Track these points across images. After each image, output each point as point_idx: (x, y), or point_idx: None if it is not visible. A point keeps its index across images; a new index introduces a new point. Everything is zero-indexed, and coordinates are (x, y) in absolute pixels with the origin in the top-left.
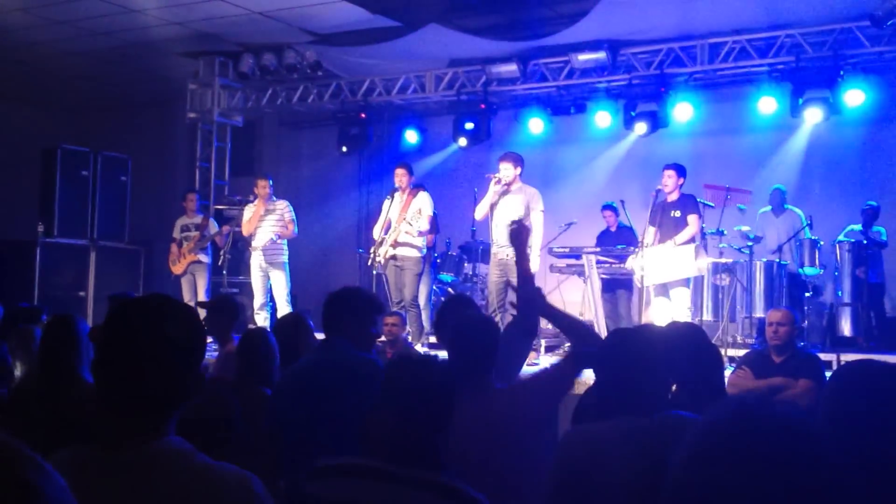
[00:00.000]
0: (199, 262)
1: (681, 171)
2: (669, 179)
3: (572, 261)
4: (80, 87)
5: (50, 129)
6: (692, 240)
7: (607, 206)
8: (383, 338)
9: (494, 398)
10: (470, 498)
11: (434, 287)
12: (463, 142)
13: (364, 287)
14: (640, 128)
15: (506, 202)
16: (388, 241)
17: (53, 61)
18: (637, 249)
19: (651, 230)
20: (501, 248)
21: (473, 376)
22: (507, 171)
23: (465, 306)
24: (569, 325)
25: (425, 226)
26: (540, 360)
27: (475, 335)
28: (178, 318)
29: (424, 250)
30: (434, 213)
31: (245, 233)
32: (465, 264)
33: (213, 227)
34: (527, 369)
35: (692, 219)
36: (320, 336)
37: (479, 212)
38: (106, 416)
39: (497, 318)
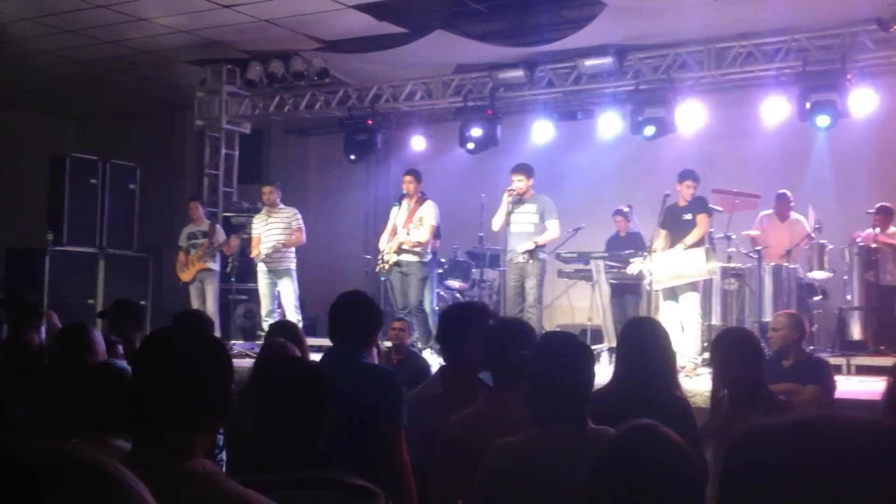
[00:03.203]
0: (209, 269)
1: (696, 178)
2: (688, 190)
3: (580, 266)
4: (89, 95)
5: (58, 137)
6: (701, 241)
7: (618, 212)
8: (389, 343)
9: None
10: (357, 487)
11: (441, 293)
12: (470, 146)
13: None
14: (648, 133)
15: (521, 210)
16: (392, 248)
17: (62, 70)
18: (644, 254)
19: (662, 233)
20: (517, 254)
21: (506, 379)
22: (519, 182)
23: (480, 314)
24: None
25: (424, 236)
26: None
27: (509, 337)
28: (205, 342)
29: (429, 256)
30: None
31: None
32: (473, 270)
33: (221, 234)
34: None
35: (701, 218)
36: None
37: (496, 223)
38: (139, 435)
39: None
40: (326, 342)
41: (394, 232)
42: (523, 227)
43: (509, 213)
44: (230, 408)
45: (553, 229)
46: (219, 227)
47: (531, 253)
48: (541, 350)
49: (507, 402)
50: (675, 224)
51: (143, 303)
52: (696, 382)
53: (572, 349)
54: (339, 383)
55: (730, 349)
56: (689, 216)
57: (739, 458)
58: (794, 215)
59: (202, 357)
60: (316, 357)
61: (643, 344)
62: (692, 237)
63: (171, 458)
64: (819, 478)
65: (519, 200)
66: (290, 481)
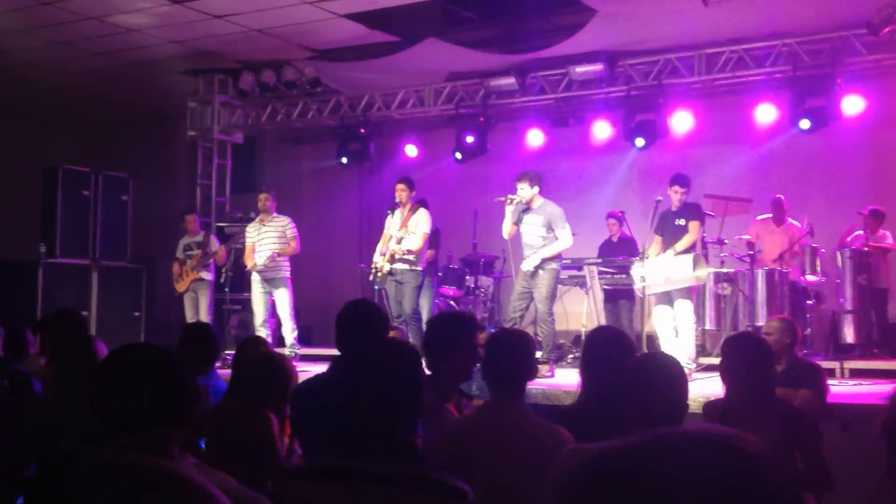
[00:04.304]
0: (202, 279)
1: (686, 182)
2: (676, 195)
3: (574, 272)
4: (81, 106)
5: (51, 148)
6: (693, 247)
7: (611, 215)
8: None
9: (525, 418)
10: (455, 489)
11: (436, 300)
12: (458, 156)
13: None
14: (640, 138)
15: (528, 221)
16: (385, 257)
17: (53, 81)
18: (637, 259)
19: (657, 239)
20: (525, 261)
21: (505, 389)
22: (523, 190)
23: (466, 324)
24: None
25: (417, 244)
26: (553, 373)
27: (509, 348)
28: (155, 356)
29: (422, 264)
30: (435, 229)
31: (248, 266)
32: (467, 277)
33: (215, 245)
34: (542, 380)
35: (693, 225)
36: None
37: (505, 231)
38: (111, 442)
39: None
40: (321, 351)
41: (388, 242)
42: (532, 238)
43: (516, 223)
44: (194, 407)
45: (564, 239)
46: (213, 236)
47: (539, 265)
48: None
49: (504, 410)
50: (668, 229)
51: (136, 314)
52: (691, 387)
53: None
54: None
55: (737, 355)
56: (681, 221)
57: (588, 477)
58: (789, 220)
59: (154, 366)
60: (315, 367)
61: (609, 354)
62: (682, 243)
63: (148, 460)
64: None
65: (526, 209)
66: (387, 476)
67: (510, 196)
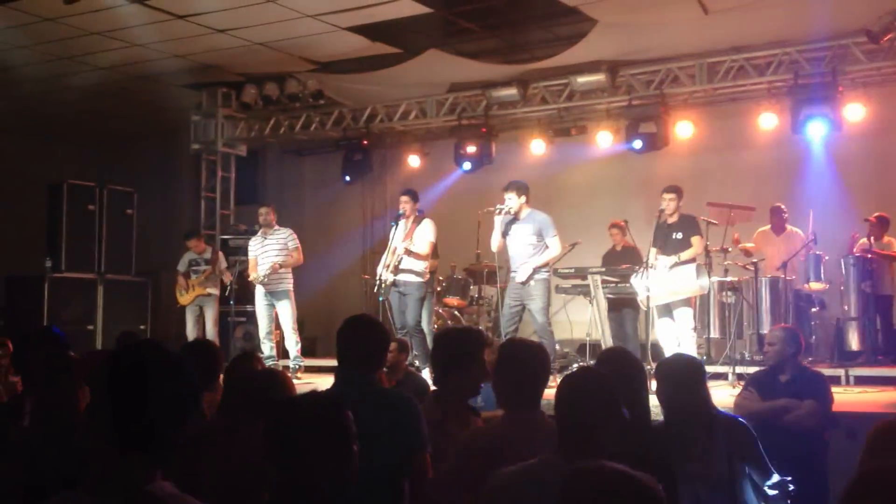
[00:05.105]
0: (209, 294)
1: (676, 189)
2: (671, 203)
3: (578, 281)
4: (85, 121)
5: (55, 163)
6: (693, 259)
7: (615, 225)
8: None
9: (542, 429)
10: None
11: (440, 310)
12: (466, 166)
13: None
14: (642, 147)
15: (517, 230)
16: (389, 268)
17: (57, 96)
18: (640, 269)
19: (653, 251)
20: (518, 273)
21: (520, 401)
22: (510, 200)
23: (474, 340)
24: None
25: (423, 249)
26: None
27: (526, 359)
28: (166, 367)
29: (427, 276)
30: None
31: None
32: (471, 287)
33: (223, 262)
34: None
35: (696, 240)
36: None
37: (494, 243)
38: (97, 461)
39: None
40: (326, 363)
41: (393, 253)
42: (521, 248)
43: (505, 233)
44: (184, 429)
45: (554, 247)
46: (221, 254)
47: (531, 276)
48: (563, 385)
49: (520, 422)
50: (667, 243)
51: (142, 327)
52: None
53: (595, 386)
54: (361, 411)
55: (664, 379)
56: (679, 235)
57: None
58: (790, 228)
59: (173, 384)
60: (319, 378)
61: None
62: (687, 255)
63: (131, 483)
64: None
65: (513, 220)
66: None
67: (499, 206)
